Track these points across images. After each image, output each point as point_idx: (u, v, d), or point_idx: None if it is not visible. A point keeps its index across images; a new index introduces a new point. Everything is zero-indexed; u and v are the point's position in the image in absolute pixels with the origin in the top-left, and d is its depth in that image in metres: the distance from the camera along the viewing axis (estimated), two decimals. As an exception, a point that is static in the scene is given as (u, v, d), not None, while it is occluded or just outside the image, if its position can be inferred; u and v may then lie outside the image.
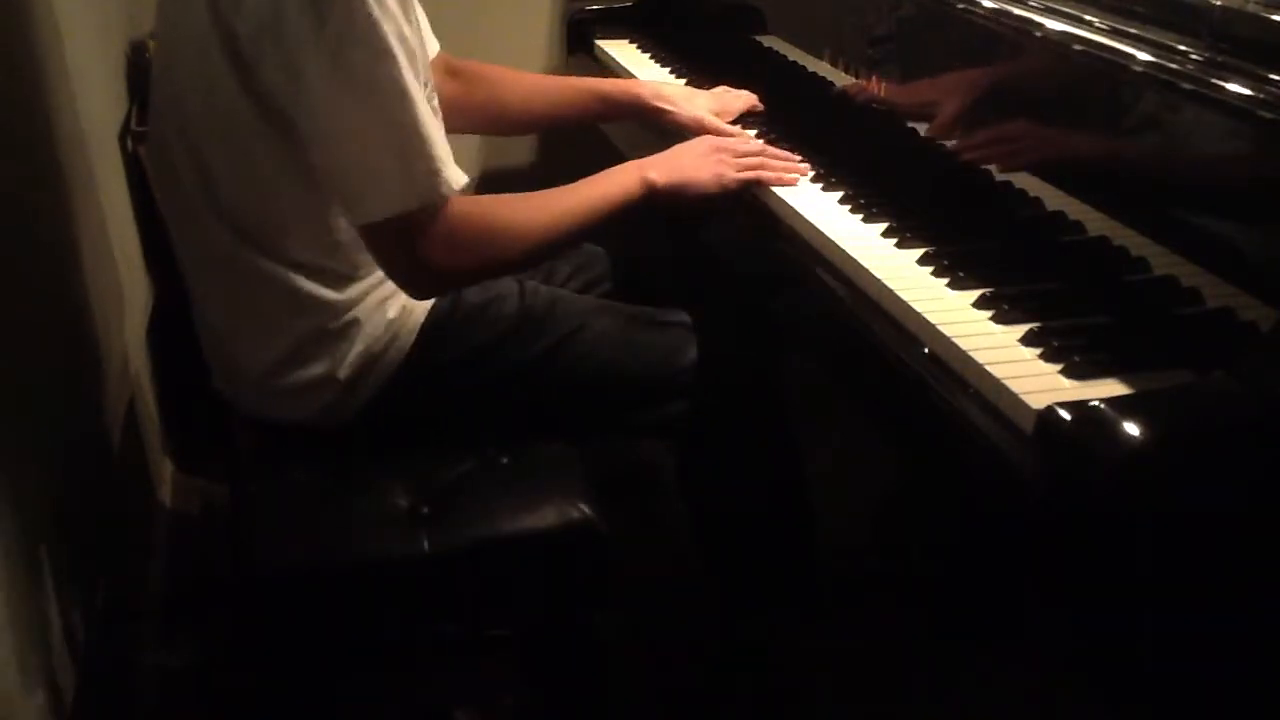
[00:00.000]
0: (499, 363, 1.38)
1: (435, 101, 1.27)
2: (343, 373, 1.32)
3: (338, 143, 1.17)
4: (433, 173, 1.17)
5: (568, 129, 1.84)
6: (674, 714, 1.63)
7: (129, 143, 2.07)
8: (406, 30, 1.16)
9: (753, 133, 1.59)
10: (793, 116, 1.58)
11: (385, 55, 1.13)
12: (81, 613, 1.36)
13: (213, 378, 1.42)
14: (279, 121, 1.19)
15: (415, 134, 1.16)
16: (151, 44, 2.16)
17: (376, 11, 1.12)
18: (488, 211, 1.26)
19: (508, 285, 1.45)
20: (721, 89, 1.71)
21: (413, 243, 1.19)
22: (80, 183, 1.67)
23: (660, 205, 1.38)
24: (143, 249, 2.08)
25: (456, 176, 1.20)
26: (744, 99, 1.69)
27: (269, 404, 1.36)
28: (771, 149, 1.47)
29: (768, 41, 1.91)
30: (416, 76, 1.17)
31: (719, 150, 1.44)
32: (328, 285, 1.29)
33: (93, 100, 1.83)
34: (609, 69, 2.02)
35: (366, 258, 1.30)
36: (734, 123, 1.63)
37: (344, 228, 1.27)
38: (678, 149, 1.46)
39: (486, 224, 1.25)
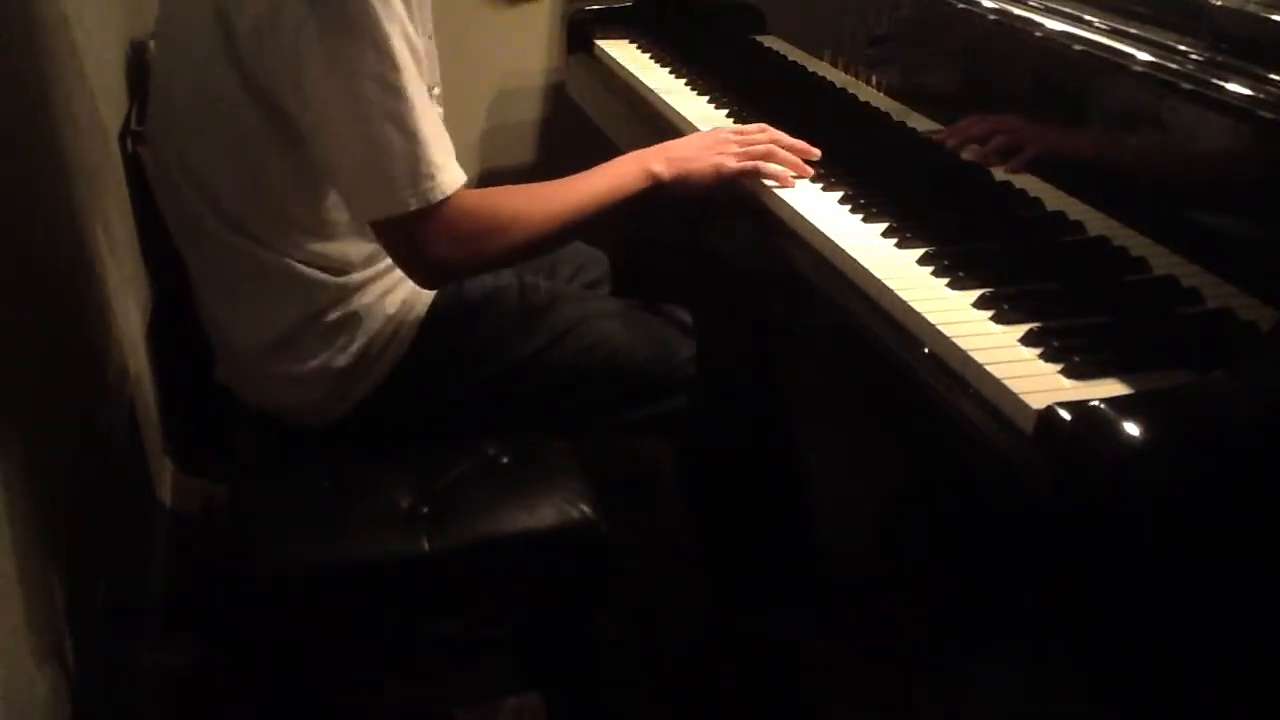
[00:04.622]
0: (499, 357, 1.38)
1: (438, 90, 1.26)
2: (341, 363, 1.32)
3: (334, 142, 1.16)
4: (427, 176, 1.16)
5: None
6: (674, 714, 1.63)
7: (129, 142, 2.07)
8: (411, 29, 1.15)
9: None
10: (792, 117, 1.58)
11: (385, 56, 1.12)
12: (81, 613, 1.36)
13: (215, 369, 1.42)
14: (277, 118, 1.19)
15: (411, 137, 1.15)
16: (152, 44, 2.16)
17: (379, 10, 1.11)
18: (493, 204, 1.26)
19: (508, 281, 1.44)
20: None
21: (414, 238, 1.20)
22: (80, 182, 1.67)
23: (664, 195, 1.37)
24: (143, 249, 2.08)
25: (455, 176, 1.19)
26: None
27: (269, 391, 1.37)
28: (786, 139, 1.44)
29: (768, 41, 1.91)
30: (420, 76, 1.17)
31: (724, 141, 1.42)
32: (326, 272, 1.30)
33: (93, 100, 1.83)
34: (609, 69, 2.02)
35: (365, 248, 1.30)
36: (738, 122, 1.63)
37: (341, 220, 1.27)
38: (683, 139, 1.46)
39: (491, 217, 1.25)
